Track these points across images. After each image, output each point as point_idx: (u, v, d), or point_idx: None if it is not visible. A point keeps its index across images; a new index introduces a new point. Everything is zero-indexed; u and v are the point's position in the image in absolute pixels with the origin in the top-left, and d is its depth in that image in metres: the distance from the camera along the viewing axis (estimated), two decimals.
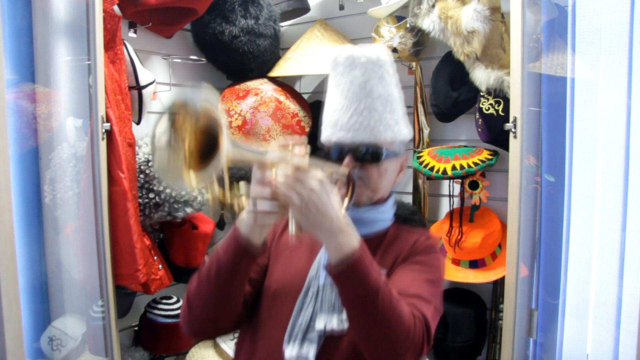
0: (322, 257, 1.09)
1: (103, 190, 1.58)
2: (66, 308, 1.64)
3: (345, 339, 1.02)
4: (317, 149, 1.14)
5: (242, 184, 0.88)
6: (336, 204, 0.91)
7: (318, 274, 1.07)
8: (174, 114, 0.75)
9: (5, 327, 1.30)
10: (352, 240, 0.91)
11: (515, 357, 1.69)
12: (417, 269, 1.06)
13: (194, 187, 0.74)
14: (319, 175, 0.90)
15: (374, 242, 1.12)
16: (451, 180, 2.06)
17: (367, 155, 1.11)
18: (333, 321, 1.01)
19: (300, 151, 0.93)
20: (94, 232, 1.60)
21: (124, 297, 1.84)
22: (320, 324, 1.02)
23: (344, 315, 1.00)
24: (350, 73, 1.10)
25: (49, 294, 1.60)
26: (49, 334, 1.60)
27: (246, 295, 1.11)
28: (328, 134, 1.13)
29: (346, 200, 1.10)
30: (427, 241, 1.13)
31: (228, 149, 0.75)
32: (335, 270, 0.91)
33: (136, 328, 2.04)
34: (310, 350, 1.01)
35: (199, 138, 0.75)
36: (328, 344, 1.03)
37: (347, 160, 1.10)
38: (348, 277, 0.91)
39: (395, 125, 1.12)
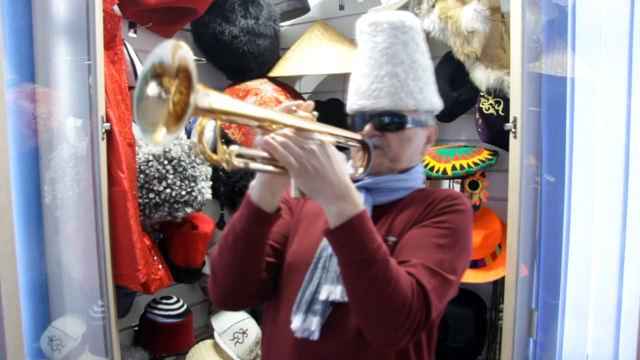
0: None
1: (103, 190, 1.58)
2: (66, 308, 1.63)
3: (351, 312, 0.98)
4: None
5: (232, 147, 0.82)
6: (339, 169, 0.87)
7: (327, 244, 1.03)
8: (159, 75, 0.70)
9: (5, 327, 1.30)
10: (353, 207, 0.87)
11: (515, 357, 1.69)
12: (428, 232, 0.98)
13: (157, 143, 0.69)
14: (320, 136, 0.86)
15: (391, 207, 1.08)
16: (451, 180, 2.06)
17: (388, 123, 1.07)
18: (336, 292, 0.98)
19: (304, 114, 0.90)
20: (94, 232, 1.60)
21: (124, 297, 1.84)
22: (323, 295, 0.99)
23: None
24: (373, 40, 1.08)
25: (49, 294, 1.60)
26: (49, 334, 1.60)
27: (272, 265, 1.09)
28: (350, 102, 1.11)
29: (361, 169, 1.07)
30: (444, 201, 1.03)
31: (199, 101, 0.69)
32: (332, 236, 0.88)
33: (136, 328, 2.04)
34: (314, 321, 0.98)
35: (184, 97, 0.70)
36: (334, 316, 1.00)
37: (367, 127, 1.07)
38: (344, 244, 0.88)
39: (420, 93, 1.08)
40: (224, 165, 0.80)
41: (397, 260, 0.92)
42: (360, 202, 0.89)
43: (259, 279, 1.05)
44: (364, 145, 1.08)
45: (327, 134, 0.92)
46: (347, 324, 0.99)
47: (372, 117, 1.08)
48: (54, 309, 1.61)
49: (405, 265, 0.92)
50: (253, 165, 0.85)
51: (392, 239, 1.02)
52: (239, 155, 0.82)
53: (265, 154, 0.86)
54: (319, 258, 1.04)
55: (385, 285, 0.86)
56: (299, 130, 0.85)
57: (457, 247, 0.99)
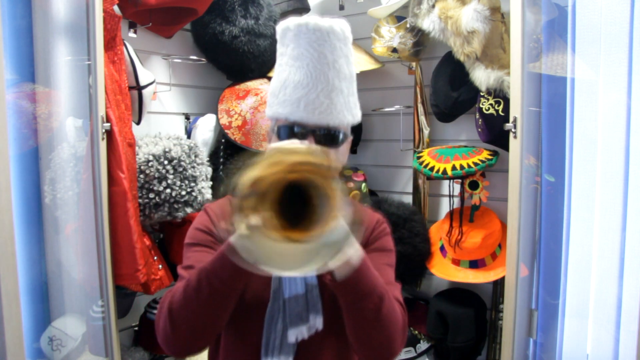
0: None
1: (103, 190, 1.58)
2: (66, 308, 1.63)
3: (317, 339, 1.04)
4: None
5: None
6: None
7: (281, 287, 1.03)
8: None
9: (5, 327, 1.30)
10: (358, 251, 0.86)
11: (515, 357, 1.69)
12: (378, 256, 1.09)
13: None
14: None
15: None
16: (451, 181, 2.06)
17: (329, 139, 1.04)
18: (303, 332, 1.02)
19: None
20: (94, 232, 1.60)
21: (124, 297, 1.84)
22: (291, 339, 1.02)
23: (312, 321, 1.02)
24: (317, 48, 1.02)
25: (49, 294, 1.60)
26: (49, 334, 1.60)
27: None
28: (286, 111, 1.03)
29: None
30: (377, 225, 1.14)
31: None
32: (344, 285, 0.89)
33: (136, 328, 2.04)
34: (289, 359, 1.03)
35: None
36: (302, 348, 1.05)
37: (309, 143, 1.01)
38: (356, 290, 0.90)
39: (355, 109, 1.09)
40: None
41: None
42: (355, 241, 0.85)
43: (225, 323, 1.00)
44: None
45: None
46: (316, 352, 1.05)
47: (313, 131, 1.03)
48: (54, 309, 1.61)
49: None
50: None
51: None
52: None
53: None
54: (275, 300, 1.04)
55: (392, 316, 0.94)
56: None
57: (394, 261, 1.14)
